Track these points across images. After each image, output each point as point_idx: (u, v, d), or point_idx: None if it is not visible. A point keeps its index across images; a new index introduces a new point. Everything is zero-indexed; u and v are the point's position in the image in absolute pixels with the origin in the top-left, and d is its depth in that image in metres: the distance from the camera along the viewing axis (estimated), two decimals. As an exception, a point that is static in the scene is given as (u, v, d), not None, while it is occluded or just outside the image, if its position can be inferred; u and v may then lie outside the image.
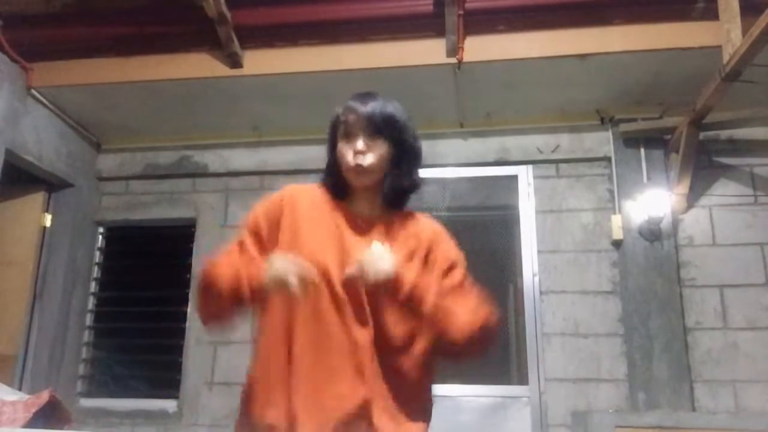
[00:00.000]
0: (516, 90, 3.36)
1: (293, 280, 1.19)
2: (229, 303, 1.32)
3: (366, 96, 1.47)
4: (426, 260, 1.38)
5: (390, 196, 1.43)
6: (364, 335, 1.28)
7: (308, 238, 1.35)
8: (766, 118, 3.16)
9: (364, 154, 1.38)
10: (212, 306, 1.37)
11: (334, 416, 1.23)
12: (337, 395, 1.25)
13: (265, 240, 1.39)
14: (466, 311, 1.32)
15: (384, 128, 1.42)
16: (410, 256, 1.36)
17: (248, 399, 1.33)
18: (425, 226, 1.46)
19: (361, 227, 1.41)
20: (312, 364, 1.27)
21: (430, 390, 1.42)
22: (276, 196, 1.45)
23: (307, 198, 1.45)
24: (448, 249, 1.43)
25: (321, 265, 1.29)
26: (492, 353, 3.49)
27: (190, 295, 3.66)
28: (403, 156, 1.45)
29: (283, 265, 1.23)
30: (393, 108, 1.47)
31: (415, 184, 1.48)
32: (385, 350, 1.30)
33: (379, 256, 1.24)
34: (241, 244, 1.39)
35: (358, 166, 1.38)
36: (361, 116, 1.41)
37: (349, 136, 1.41)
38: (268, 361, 1.31)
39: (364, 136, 1.40)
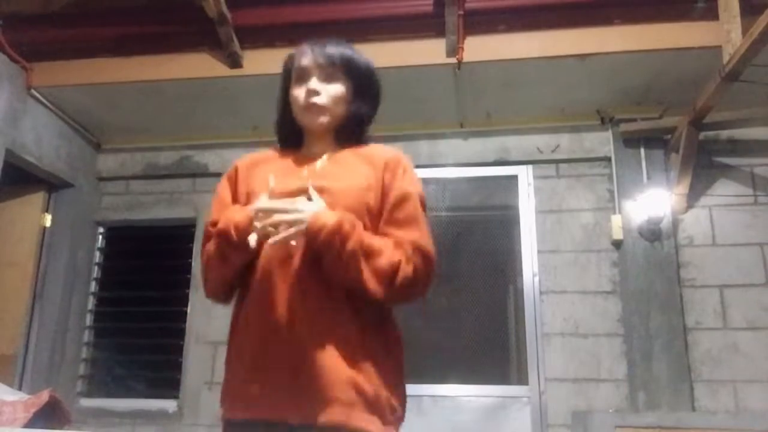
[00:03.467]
0: (516, 90, 3.36)
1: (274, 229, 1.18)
2: (227, 262, 1.30)
3: (319, 40, 1.42)
4: (381, 186, 1.31)
5: (347, 129, 1.40)
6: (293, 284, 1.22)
7: (259, 188, 1.31)
8: (766, 118, 3.16)
9: (318, 93, 1.36)
10: (216, 270, 1.33)
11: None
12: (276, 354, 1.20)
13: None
14: (386, 259, 1.21)
15: (339, 68, 1.38)
16: (365, 186, 1.29)
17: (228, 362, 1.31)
18: (381, 152, 1.37)
19: (312, 164, 1.37)
20: (257, 320, 1.24)
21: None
22: (229, 169, 1.45)
23: (259, 159, 1.44)
24: (402, 178, 1.32)
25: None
26: (492, 353, 3.50)
27: (190, 295, 3.67)
28: (360, 94, 1.41)
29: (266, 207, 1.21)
30: (348, 48, 1.42)
31: (368, 116, 1.44)
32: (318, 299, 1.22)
33: (294, 206, 1.20)
34: (211, 237, 1.36)
35: (312, 105, 1.35)
36: (314, 58, 1.38)
37: (303, 79, 1.38)
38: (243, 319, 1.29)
39: (318, 77, 1.37)
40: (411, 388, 1.32)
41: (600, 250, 3.41)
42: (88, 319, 3.83)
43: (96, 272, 3.91)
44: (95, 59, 3.37)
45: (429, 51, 3.15)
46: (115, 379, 3.77)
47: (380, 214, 1.30)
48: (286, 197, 1.24)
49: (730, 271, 3.26)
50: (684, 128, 3.18)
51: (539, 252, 3.45)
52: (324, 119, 1.37)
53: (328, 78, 1.37)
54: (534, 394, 3.24)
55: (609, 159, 3.52)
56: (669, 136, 3.42)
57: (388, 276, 1.20)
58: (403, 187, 1.31)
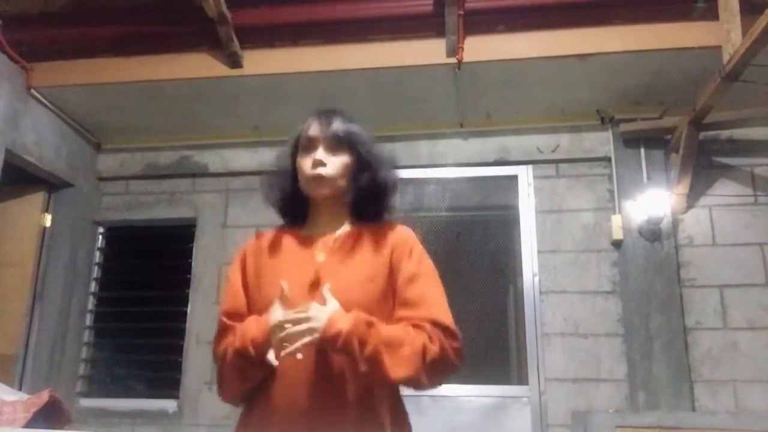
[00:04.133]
0: (516, 90, 3.36)
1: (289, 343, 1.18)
2: (246, 375, 1.29)
3: (326, 111, 1.45)
4: (390, 272, 1.32)
5: (355, 204, 1.40)
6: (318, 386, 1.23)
7: (269, 284, 1.32)
8: (766, 118, 3.16)
9: (324, 164, 1.37)
10: (236, 382, 1.32)
11: None
12: None
13: (246, 307, 1.37)
14: (409, 346, 1.21)
15: (344, 140, 1.39)
16: (371, 275, 1.31)
17: None
18: (390, 236, 1.39)
19: (324, 248, 1.37)
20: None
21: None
22: (238, 257, 1.44)
23: (266, 242, 1.43)
24: (408, 259, 1.34)
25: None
26: (492, 353, 3.50)
27: (190, 295, 3.67)
28: (365, 166, 1.41)
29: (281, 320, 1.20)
30: (353, 123, 1.44)
31: (387, 197, 1.43)
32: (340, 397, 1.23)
33: (307, 316, 1.18)
34: (225, 329, 1.36)
35: (317, 176, 1.36)
36: (320, 129, 1.40)
37: (309, 149, 1.40)
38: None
39: (323, 148, 1.39)
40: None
41: (600, 250, 3.41)
42: (88, 319, 3.83)
43: (96, 272, 3.91)
44: (95, 59, 3.37)
45: (429, 51, 3.15)
46: (115, 379, 3.77)
47: (390, 298, 1.31)
48: (299, 299, 1.24)
49: (730, 271, 3.26)
50: (684, 128, 3.18)
51: (539, 252, 3.45)
52: (328, 189, 1.38)
53: (333, 149, 1.39)
54: (534, 394, 3.24)
55: (609, 159, 3.52)
56: (669, 136, 3.42)
57: (416, 362, 1.20)
58: (410, 269, 1.32)
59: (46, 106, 3.49)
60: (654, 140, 3.46)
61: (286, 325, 1.19)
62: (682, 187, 3.32)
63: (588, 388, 3.22)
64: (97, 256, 3.93)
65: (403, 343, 1.21)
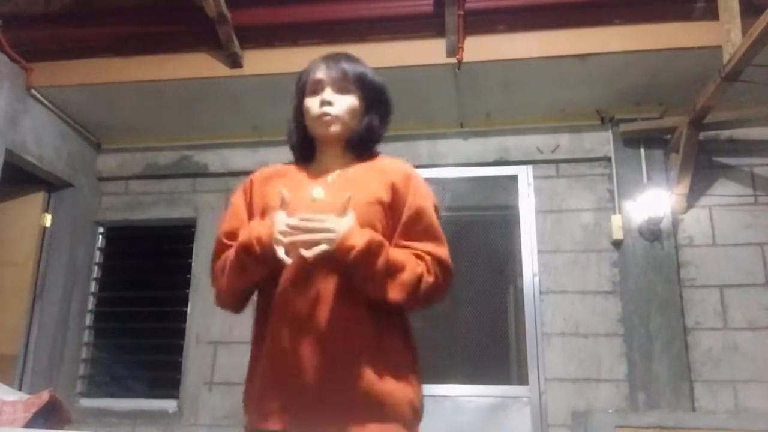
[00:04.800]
0: (516, 90, 3.36)
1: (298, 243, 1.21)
2: (247, 274, 1.31)
3: (333, 54, 1.46)
4: (391, 204, 1.34)
5: (359, 141, 1.42)
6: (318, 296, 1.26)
7: (274, 205, 1.32)
8: (766, 118, 3.16)
9: (331, 104, 1.38)
10: (232, 280, 1.33)
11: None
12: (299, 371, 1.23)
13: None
14: (410, 272, 1.26)
15: (352, 81, 1.41)
16: (374, 199, 1.32)
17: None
18: (393, 166, 1.40)
19: (325, 180, 1.39)
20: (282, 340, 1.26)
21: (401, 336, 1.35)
22: (242, 185, 1.46)
23: (272, 173, 1.46)
24: (414, 194, 1.36)
25: None
26: (492, 353, 3.50)
27: (190, 295, 3.67)
28: (372, 108, 1.44)
29: (285, 226, 1.23)
30: (361, 65, 1.46)
31: (380, 132, 1.46)
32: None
33: (323, 222, 1.22)
34: (224, 248, 1.36)
35: (325, 114, 1.37)
36: (328, 71, 1.41)
37: (316, 91, 1.41)
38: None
39: (331, 89, 1.40)
40: (422, 386, 1.36)
41: (600, 250, 3.41)
42: (88, 319, 3.83)
43: (96, 272, 3.91)
44: (95, 59, 3.37)
45: (429, 51, 3.15)
46: (115, 379, 3.77)
47: (392, 228, 1.34)
48: (301, 211, 1.26)
49: (730, 271, 3.26)
50: (684, 128, 3.18)
51: (539, 252, 3.45)
52: (336, 129, 1.39)
53: (341, 90, 1.40)
54: (534, 394, 3.24)
55: (609, 159, 3.52)
56: (669, 136, 3.42)
57: (413, 287, 1.26)
58: (416, 203, 1.35)
59: (46, 106, 3.49)
60: (654, 140, 3.46)
61: (302, 224, 1.22)
62: (682, 187, 3.32)
63: (588, 388, 3.22)
64: (97, 256, 3.93)
65: (405, 268, 1.26)
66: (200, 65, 3.29)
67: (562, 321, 3.33)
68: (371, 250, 1.22)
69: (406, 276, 1.25)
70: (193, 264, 3.73)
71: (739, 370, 3.13)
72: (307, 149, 1.46)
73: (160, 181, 3.92)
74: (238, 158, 3.84)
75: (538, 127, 3.61)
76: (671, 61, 3.06)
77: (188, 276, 3.71)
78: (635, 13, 3.03)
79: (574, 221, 3.48)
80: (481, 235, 3.70)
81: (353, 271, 1.23)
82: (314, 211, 1.26)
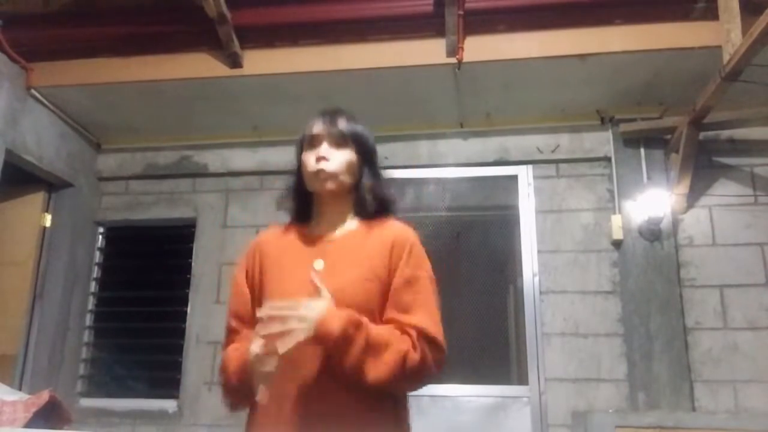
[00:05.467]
0: (516, 90, 3.36)
1: (265, 371, 1.19)
2: (241, 392, 1.31)
3: (331, 110, 1.46)
4: (389, 271, 1.33)
5: (365, 198, 1.41)
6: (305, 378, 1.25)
7: (272, 283, 1.35)
8: (766, 118, 3.16)
9: (327, 159, 1.38)
10: (233, 396, 1.36)
11: None
12: None
13: (253, 306, 1.38)
14: (393, 352, 1.22)
15: (348, 137, 1.41)
16: (370, 275, 1.31)
17: None
18: (394, 231, 1.39)
19: (324, 246, 1.38)
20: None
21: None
22: (245, 255, 1.46)
23: (272, 238, 1.45)
24: (406, 262, 1.34)
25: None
26: (492, 353, 3.50)
27: (190, 295, 3.67)
28: (370, 167, 1.44)
29: (257, 359, 1.20)
30: (358, 123, 1.46)
31: (390, 196, 1.45)
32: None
33: (297, 313, 1.19)
34: (231, 332, 1.39)
35: (321, 171, 1.37)
36: (324, 126, 1.42)
37: (313, 146, 1.42)
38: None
39: (327, 144, 1.40)
40: None
41: (600, 250, 3.41)
42: (88, 319, 3.83)
43: (96, 272, 3.91)
44: (95, 59, 3.37)
45: (429, 51, 3.15)
46: (115, 379, 3.77)
47: (387, 297, 1.32)
48: (301, 297, 1.25)
49: (730, 271, 3.26)
50: (684, 128, 3.18)
51: (539, 252, 3.45)
52: (332, 185, 1.39)
53: (338, 146, 1.40)
54: (534, 394, 3.24)
55: (609, 159, 3.52)
56: (669, 136, 3.42)
57: (396, 367, 1.21)
58: (408, 272, 1.33)
59: (46, 106, 3.49)
60: (654, 140, 3.46)
61: (276, 313, 1.20)
62: (682, 187, 3.32)
63: (588, 388, 3.22)
64: (97, 256, 3.93)
65: (387, 348, 1.22)
66: (200, 65, 3.29)
67: (562, 321, 3.33)
68: (347, 335, 1.19)
69: (388, 356, 1.21)
70: (193, 264, 3.73)
71: (739, 370, 3.13)
72: (305, 207, 1.46)
73: (160, 181, 3.92)
74: (238, 158, 3.84)
75: (538, 127, 3.61)
76: (671, 61, 3.06)
77: (188, 276, 3.71)
78: (635, 13, 3.03)
79: (574, 221, 3.48)
80: (481, 235, 3.70)
81: (332, 355, 1.21)
82: (317, 280, 1.27)
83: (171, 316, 3.67)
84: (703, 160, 3.38)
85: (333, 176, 1.38)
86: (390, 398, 1.31)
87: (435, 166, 3.65)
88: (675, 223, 3.36)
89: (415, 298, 1.30)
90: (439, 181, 3.69)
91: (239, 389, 1.28)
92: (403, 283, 1.31)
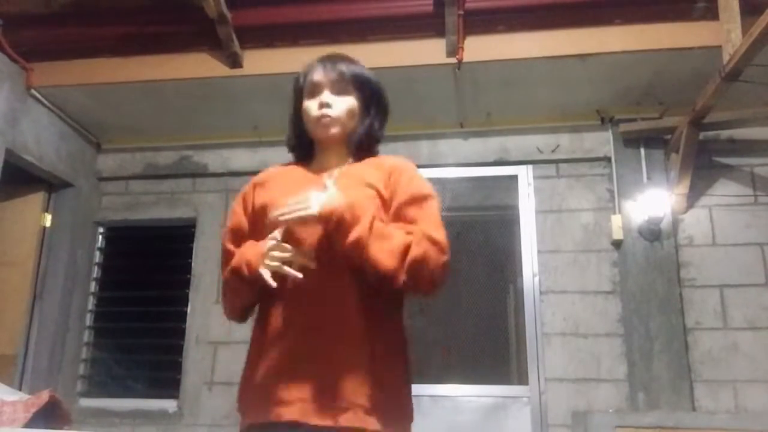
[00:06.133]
0: (516, 90, 3.36)
1: (284, 268, 1.23)
2: (241, 293, 1.35)
3: (330, 56, 1.48)
4: (387, 192, 1.34)
5: (360, 142, 1.42)
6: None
7: (273, 206, 1.33)
8: (766, 118, 3.16)
9: (329, 106, 1.39)
10: (233, 299, 1.39)
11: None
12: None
13: (250, 233, 1.40)
14: (397, 240, 1.23)
15: (350, 82, 1.42)
16: (373, 194, 1.33)
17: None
18: (389, 159, 1.42)
19: (327, 176, 1.40)
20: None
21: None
22: (244, 189, 1.48)
23: (272, 174, 1.48)
24: (409, 182, 1.36)
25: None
26: (492, 353, 3.50)
27: (190, 295, 3.67)
28: (371, 109, 1.45)
29: (275, 253, 1.25)
30: (359, 66, 1.47)
31: (380, 132, 1.47)
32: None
33: (306, 197, 1.23)
34: (229, 255, 1.39)
35: (324, 116, 1.38)
36: (325, 73, 1.42)
37: (315, 93, 1.42)
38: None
39: (329, 90, 1.41)
40: (412, 388, 1.37)
41: (600, 250, 3.41)
42: (88, 319, 3.83)
43: (96, 272, 3.91)
44: (95, 59, 3.37)
45: (429, 51, 3.15)
46: (115, 379, 3.77)
47: (389, 216, 1.33)
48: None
49: (730, 271, 3.26)
50: (684, 128, 3.18)
51: (539, 252, 3.45)
52: (335, 131, 1.40)
53: (339, 92, 1.41)
54: (534, 394, 3.24)
55: (609, 159, 3.52)
56: (669, 136, 3.42)
57: (398, 256, 1.22)
58: (411, 190, 1.34)
59: (46, 106, 3.49)
60: (654, 140, 3.46)
61: (284, 210, 1.23)
62: (682, 187, 3.32)
63: (588, 388, 3.22)
64: (97, 256, 3.93)
65: (390, 237, 1.24)
66: (200, 65, 3.29)
67: (562, 321, 3.33)
68: (353, 213, 1.22)
69: (391, 243, 1.23)
70: (193, 264, 3.73)
71: (739, 370, 3.13)
72: (306, 150, 1.47)
73: (160, 181, 3.92)
74: (238, 158, 3.84)
75: (538, 127, 3.61)
76: (671, 61, 3.06)
77: (188, 276, 3.71)
78: (635, 13, 3.03)
79: (574, 221, 3.48)
80: (481, 235, 3.70)
81: (337, 237, 1.22)
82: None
83: (171, 316, 3.67)
84: (703, 160, 3.38)
85: (337, 121, 1.39)
86: (393, 321, 1.33)
87: (435, 166, 3.65)
88: (675, 223, 3.36)
89: (420, 213, 1.32)
90: (439, 181, 3.69)
91: (246, 282, 1.29)
92: (408, 200, 1.33)
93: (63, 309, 3.60)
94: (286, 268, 1.23)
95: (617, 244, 3.39)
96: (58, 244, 3.65)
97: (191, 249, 3.76)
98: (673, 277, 3.26)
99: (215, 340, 3.54)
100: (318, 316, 1.25)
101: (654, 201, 3.28)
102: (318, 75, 1.42)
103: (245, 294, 1.34)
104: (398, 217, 1.31)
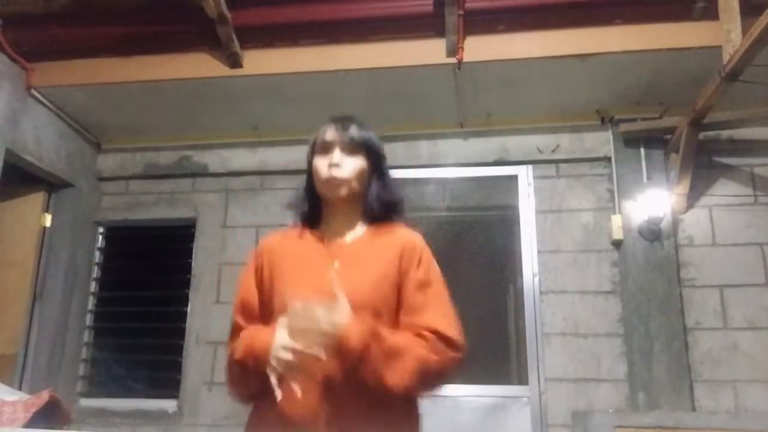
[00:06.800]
0: (516, 90, 3.36)
1: (294, 369, 1.21)
2: (246, 384, 1.34)
3: (343, 117, 1.48)
4: (398, 275, 1.34)
5: (374, 205, 1.43)
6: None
7: (286, 283, 1.35)
8: (766, 118, 3.16)
9: (338, 166, 1.39)
10: (238, 387, 1.38)
11: None
12: None
13: (260, 306, 1.39)
14: (411, 359, 1.23)
15: (360, 145, 1.43)
16: (382, 278, 1.33)
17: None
18: (404, 236, 1.42)
19: (336, 250, 1.40)
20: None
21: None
22: (252, 256, 1.47)
23: (281, 240, 1.46)
24: (419, 265, 1.36)
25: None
26: (492, 353, 3.50)
27: (190, 295, 3.67)
28: (381, 173, 1.46)
29: (283, 354, 1.21)
30: (369, 129, 1.48)
31: (398, 201, 1.47)
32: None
33: (324, 319, 1.19)
34: (238, 329, 1.39)
35: (333, 178, 1.39)
36: (337, 133, 1.43)
37: (325, 152, 1.43)
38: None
39: (340, 150, 1.41)
40: None
41: (600, 250, 3.41)
42: (88, 319, 3.83)
43: (96, 272, 3.91)
44: (95, 59, 3.37)
45: (429, 51, 3.15)
46: (115, 379, 3.77)
47: (396, 300, 1.33)
48: (308, 304, 1.24)
49: (730, 271, 3.26)
50: (684, 128, 3.18)
51: (539, 252, 3.45)
52: (343, 191, 1.40)
53: (349, 153, 1.42)
54: (534, 394, 3.24)
55: (609, 159, 3.52)
56: (669, 136, 3.42)
57: (415, 373, 1.23)
58: (419, 275, 1.35)
59: (46, 106, 3.49)
60: (654, 140, 3.46)
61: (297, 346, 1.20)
62: (682, 187, 3.32)
63: (588, 388, 3.22)
64: (97, 256, 3.93)
65: (404, 353, 1.23)
66: (200, 65, 3.29)
67: (562, 321, 3.33)
68: (367, 347, 1.20)
69: (407, 363, 1.22)
70: (193, 264, 3.73)
71: (739, 370, 3.13)
72: (315, 211, 1.47)
73: (160, 181, 3.92)
74: (238, 158, 3.84)
75: (538, 127, 3.61)
76: (671, 61, 3.06)
77: (188, 276, 3.71)
78: (635, 13, 3.03)
79: (574, 221, 3.48)
80: (481, 235, 3.70)
81: (347, 359, 1.21)
82: (332, 281, 1.27)
83: (171, 316, 3.67)
84: (703, 160, 3.38)
85: (345, 182, 1.40)
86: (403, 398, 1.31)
87: (435, 166, 3.65)
88: (675, 223, 3.36)
89: (429, 300, 1.33)
90: (439, 181, 3.69)
91: (252, 374, 1.27)
92: (416, 286, 1.34)
93: (63, 309, 3.60)
94: (293, 384, 1.21)
95: (617, 244, 3.39)
96: (58, 244, 3.65)
97: (191, 249, 3.76)
98: (673, 277, 3.26)
99: (215, 340, 3.54)
100: (329, 409, 1.24)
101: (654, 201, 3.28)
102: (330, 135, 1.44)
103: (252, 383, 1.31)
104: (407, 306, 1.32)
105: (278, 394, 1.21)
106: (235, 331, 1.40)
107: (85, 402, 3.65)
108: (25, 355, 3.48)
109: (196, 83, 3.34)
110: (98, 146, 3.98)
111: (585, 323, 3.31)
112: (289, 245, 1.45)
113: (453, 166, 3.66)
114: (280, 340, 1.22)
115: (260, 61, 3.26)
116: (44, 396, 2.27)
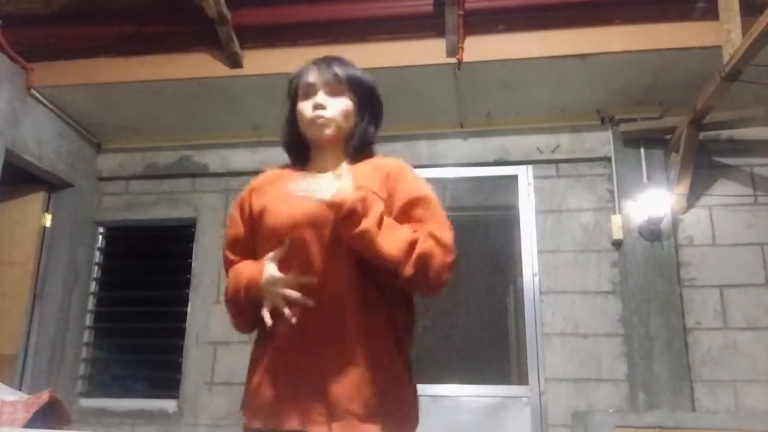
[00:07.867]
0: (516, 90, 3.36)
1: (283, 304, 1.24)
2: (244, 316, 1.37)
3: (324, 57, 1.48)
4: (384, 194, 1.34)
5: (357, 145, 1.42)
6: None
7: (268, 212, 1.35)
8: (766, 118, 3.16)
9: (323, 108, 1.39)
10: (234, 313, 1.40)
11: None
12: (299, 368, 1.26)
13: (248, 239, 1.40)
14: (406, 235, 1.24)
15: (344, 83, 1.42)
16: (366, 186, 1.32)
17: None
18: (387, 161, 1.42)
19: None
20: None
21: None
22: (241, 194, 1.49)
23: (269, 177, 1.48)
24: (409, 184, 1.36)
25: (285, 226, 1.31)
26: (492, 353, 3.50)
27: (190, 295, 3.67)
28: (365, 109, 1.46)
29: (273, 289, 1.25)
30: (352, 67, 1.48)
31: (373, 132, 1.49)
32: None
33: (319, 183, 1.23)
34: (229, 264, 1.41)
35: (318, 117, 1.38)
36: (319, 74, 1.42)
37: (309, 94, 1.42)
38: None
39: (324, 92, 1.41)
40: (417, 392, 1.39)
41: (600, 250, 3.41)
42: (88, 319, 3.83)
43: (96, 272, 3.91)
44: (95, 59, 3.37)
45: (429, 51, 3.15)
46: (115, 379, 3.77)
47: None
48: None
49: (730, 271, 3.26)
50: (684, 128, 3.18)
51: (539, 252, 3.45)
52: (330, 132, 1.39)
53: (333, 93, 1.41)
54: (534, 394, 3.24)
55: (609, 159, 3.52)
56: (669, 136, 3.42)
57: (405, 248, 1.23)
58: (413, 191, 1.34)
59: (46, 106, 3.49)
60: (654, 140, 3.46)
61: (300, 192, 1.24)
62: (682, 187, 3.32)
63: (588, 388, 3.22)
64: (97, 256, 3.93)
65: (398, 230, 1.25)
66: (200, 65, 3.29)
67: (562, 321, 3.33)
68: (365, 203, 1.22)
69: (398, 236, 1.23)
70: (193, 264, 3.73)
71: (739, 370, 3.13)
72: (302, 151, 1.48)
73: (160, 181, 3.92)
74: (238, 158, 3.84)
75: (538, 127, 3.61)
76: (671, 61, 3.06)
77: (188, 276, 3.71)
78: (635, 13, 3.03)
79: (574, 221, 3.48)
80: (481, 235, 3.70)
81: (345, 226, 1.22)
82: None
83: (171, 316, 3.67)
84: (703, 160, 3.38)
85: (331, 122, 1.39)
86: (402, 330, 1.34)
87: (435, 166, 3.65)
88: (675, 223, 3.36)
89: (425, 213, 1.33)
90: (439, 181, 3.68)
91: (245, 308, 1.32)
92: (411, 201, 1.33)
93: (63, 309, 3.60)
94: (285, 310, 1.23)
95: (617, 244, 3.39)
96: (58, 244, 3.65)
97: (191, 249, 3.76)
98: (673, 277, 3.26)
99: (215, 340, 3.54)
100: (317, 326, 1.26)
101: (654, 201, 3.28)
102: (312, 76, 1.43)
103: (247, 314, 1.35)
104: (402, 219, 1.31)
105: (268, 319, 1.24)
106: (226, 263, 1.42)
107: (85, 402, 3.64)
108: (25, 355, 3.48)
109: (196, 83, 3.35)
110: (98, 146, 3.98)
111: (585, 323, 3.31)
112: (277, 180, 1.45)
113: (453, 166, 3.66)
114: (269, 273, 1.26)
115: (260, 61, 3.26)
116: (44, 396, 2.28)
